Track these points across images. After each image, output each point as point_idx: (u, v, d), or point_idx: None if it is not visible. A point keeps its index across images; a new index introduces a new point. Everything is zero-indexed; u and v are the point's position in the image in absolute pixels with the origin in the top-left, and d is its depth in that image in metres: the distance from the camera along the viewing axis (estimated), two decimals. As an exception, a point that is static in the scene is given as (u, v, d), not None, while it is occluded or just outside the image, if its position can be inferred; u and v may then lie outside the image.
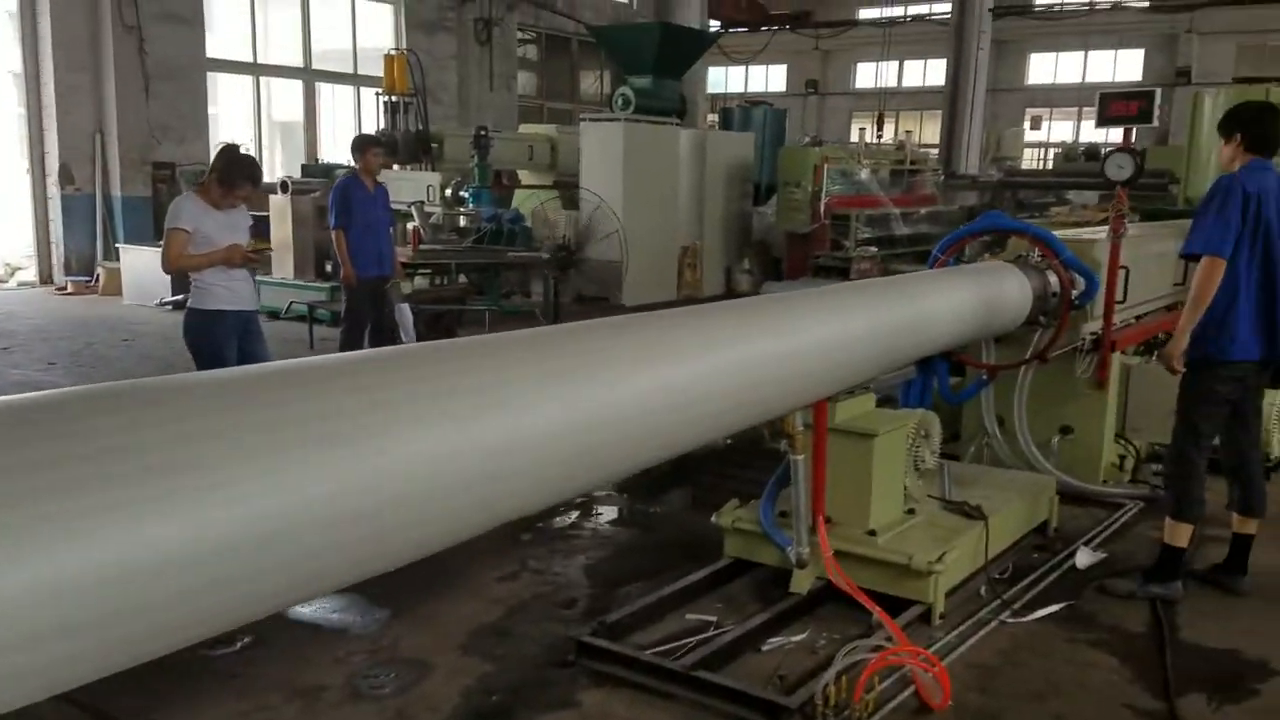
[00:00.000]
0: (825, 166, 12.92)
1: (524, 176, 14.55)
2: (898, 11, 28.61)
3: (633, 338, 2.85)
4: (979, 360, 5.45)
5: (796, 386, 3.40)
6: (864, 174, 13.94)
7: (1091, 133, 25.40)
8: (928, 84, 29.01)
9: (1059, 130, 28.58)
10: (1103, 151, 5.28)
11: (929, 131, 26.91)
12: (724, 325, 3.15)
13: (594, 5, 20.88)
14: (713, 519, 4.30)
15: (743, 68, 33.43)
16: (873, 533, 4.00)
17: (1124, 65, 27.80)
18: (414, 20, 18.13)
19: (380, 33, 17.95)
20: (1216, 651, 3.81)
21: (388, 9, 18.26)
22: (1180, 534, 4.27)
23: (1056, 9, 27.61)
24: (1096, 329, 5.47)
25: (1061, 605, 4.16)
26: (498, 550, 4.58)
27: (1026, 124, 26.60)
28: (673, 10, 17.90)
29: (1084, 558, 4.65)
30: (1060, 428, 5.69)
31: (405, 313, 7.47)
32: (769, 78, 35.16)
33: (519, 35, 20.07)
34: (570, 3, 20.46)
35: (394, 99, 13.05)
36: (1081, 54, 28.65)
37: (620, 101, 13.34)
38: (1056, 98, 29.02)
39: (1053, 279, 5.14)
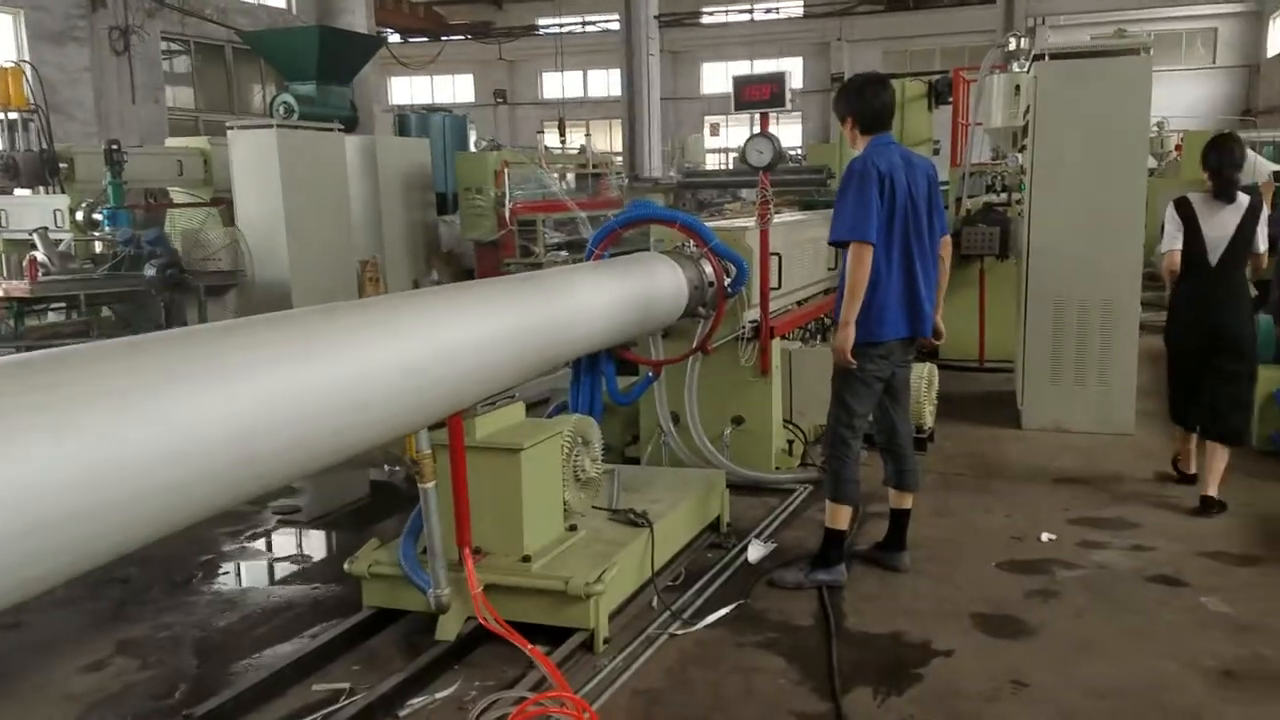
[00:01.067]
0: (506, 171, 12.58)
1: (177, 195, 13.22)
2: (575, 20, 28.97)
3: (199, 350, 2.27)
4: (646, 357, 5.24)
5: (419, 400, 2.91)
6: (547, 178, 13.72)
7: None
8: (613, 94, 29.60)
9: (736, 135, 30.04)
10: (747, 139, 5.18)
11: (619, 139, 27.44)
12: (322, 333, 2.62)
13: (248, 10, 19.42)
14: (345, 566, 3.74)
15: (429, 78, 32.77)
16: (527, 559, 3.59)
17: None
18: (39, 31, 16.04)
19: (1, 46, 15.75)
20: (880, 637, 3.71)
21: (5, 19, 16.04)
22: (839, 516, 4.21)
23: (719, 12, 28.99)
24: (756, 317, 5.42)
25: (733, 606, 3.95)
26: (87, 630, 3.78)
27: (706, 130, 27.72)
28: (335, 15, 16.95)
29: (755, 551, 4.50)
30: (732, 418, 5.60)
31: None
32: (458, 88, 34.70)
33: (165, 45, 18.30)
34: (221, 8, 18.90)
35: (11, 116, 11.45)
36: (748, 63, 30.28)
37: (282, 109, 12.52)
38: (729, 105, 30.49)
39: (707, 268, 5.02)
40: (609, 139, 28.80)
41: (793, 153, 21.82)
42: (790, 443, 5.78)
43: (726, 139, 29.14)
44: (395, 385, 2.77)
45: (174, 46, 18.77)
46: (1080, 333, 6.43)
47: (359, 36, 15.18)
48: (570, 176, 15.61)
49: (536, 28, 31.56)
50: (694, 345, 5.16)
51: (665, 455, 5.47)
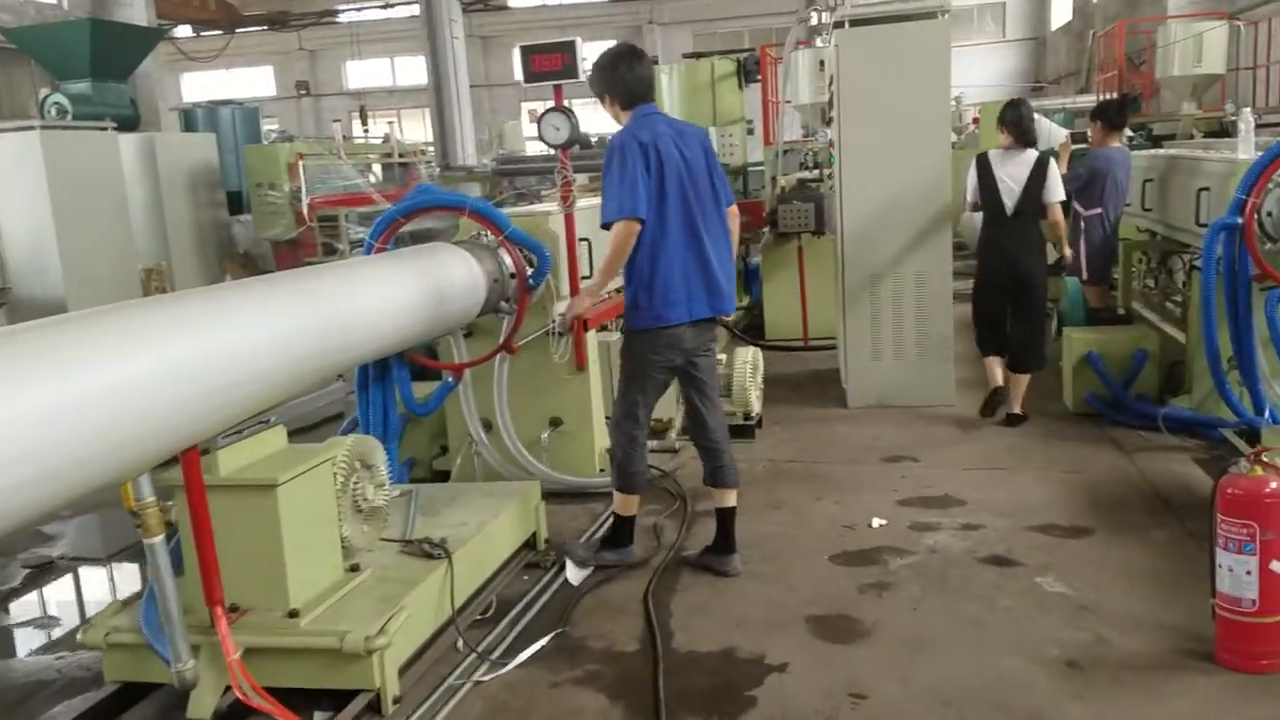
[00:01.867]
0: (301, 164, 11.71)
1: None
2: (377, 5, 27.83)
3: None
4: (445, 361, 4.75)
5: (133, 435, 2.32)
6: (348, 169, 12.90)
7: (591, 124, 26.61)
8: (423, 82, 28.65)
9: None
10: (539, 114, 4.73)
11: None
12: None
13: (13, 7, 17.58)
14: (78, 635, 3.11)
15: (226, 72, 30.88)
16: (295, 613, 3.04)
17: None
18: None
19: None
20: (711, 655, 3.36)
21: None
22: (628, 504, 4.13)
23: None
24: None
25: (549, 638, 3.52)
26: None
27: (525, 117, 27.14)
28: (110, 9, 15.60)
29: (575, 571, 4.09)
30: (549, 420, 5.17)
31: None
32: (257, 81, 32.81)
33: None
34: (-23, 5, 17.04)
35: None
36: (561, 47, 29.87)
37: (54, 110, 11.48)
38: (547, 91, 30.02)
39: (506, 258, 4.56)
40: (424, 128, 27.82)
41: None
42: (612, 441, 5.40)
43: (546, 126, 28.64)
44: (112, 416, 2.21)
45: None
46: (896, 307, 6.30)
47: (136, 30, 14.04)
48: (377, 168, 14.80)
49: (335, 14, 30.14)
50: (499, 344, 4.71)
51: (479, 466, 4.99)
